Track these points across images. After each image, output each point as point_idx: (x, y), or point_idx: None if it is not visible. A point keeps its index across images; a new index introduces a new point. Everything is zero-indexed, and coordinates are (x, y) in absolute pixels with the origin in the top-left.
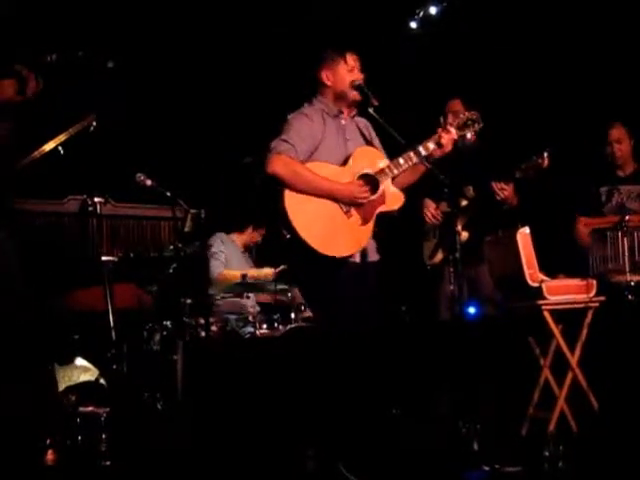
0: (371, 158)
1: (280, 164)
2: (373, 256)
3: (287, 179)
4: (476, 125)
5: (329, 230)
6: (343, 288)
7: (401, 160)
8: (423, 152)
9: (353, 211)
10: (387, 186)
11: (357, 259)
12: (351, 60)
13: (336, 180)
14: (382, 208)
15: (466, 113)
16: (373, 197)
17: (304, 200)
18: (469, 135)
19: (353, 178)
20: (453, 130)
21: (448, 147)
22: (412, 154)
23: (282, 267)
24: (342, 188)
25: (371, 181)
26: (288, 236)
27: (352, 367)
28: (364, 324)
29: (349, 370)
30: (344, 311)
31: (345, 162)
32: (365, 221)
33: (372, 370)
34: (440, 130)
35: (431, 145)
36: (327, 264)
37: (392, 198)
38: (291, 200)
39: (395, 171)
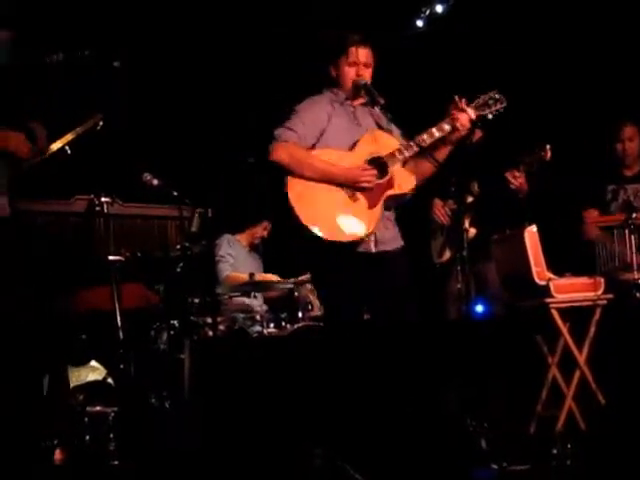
0: (382, 142)
1: (282, 151)
2: (392, 244)
3: (288, 166)
4: (498, 104)
5: (332, 215)
6: (354, 281)
7: (412, 143)
8: (437, 134)
9: (359, 195)
10: (397, 169)
11: (372, 249)
12: (354, 55)
13: (340, 164)
14: (391, 191)
15: (489, 92)
16: (379, 181)
17: (307, 186)
18: (490, 115)
19: (361, 162)
20: (470, 110)
21: (465, 128)
22: (425, 136)
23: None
24: (344, 172)
25: (380, 165)
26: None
27: (360, 365)
28: (386, 318)
29: (357, 369)
30: (353, 306)
31: (353, 146)
32: (372, 205)
33: (380, 368)
34: (454, 111)
35: (446, 126)
36: (336, 254)
37: (402, 181)
38: (294, 187)
39: (406, 154)
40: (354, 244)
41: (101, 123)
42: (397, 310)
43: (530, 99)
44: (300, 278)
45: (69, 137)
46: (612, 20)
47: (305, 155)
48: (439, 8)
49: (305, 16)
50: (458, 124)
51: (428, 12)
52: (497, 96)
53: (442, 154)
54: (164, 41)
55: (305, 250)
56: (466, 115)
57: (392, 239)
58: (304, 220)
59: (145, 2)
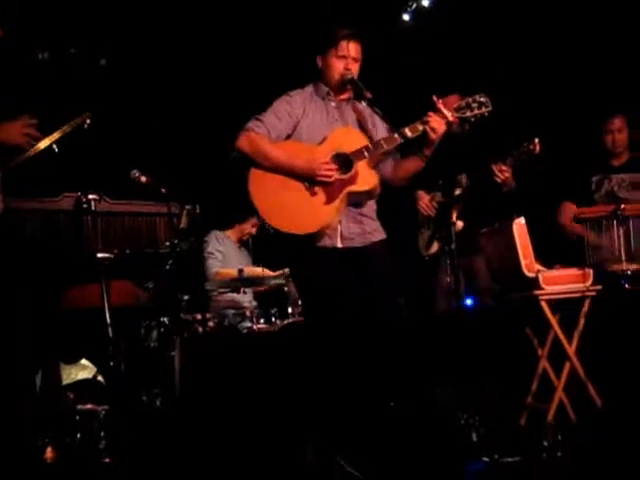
0: (352, 139)
1: (244, 140)
2: (364, 239)
3: (250, 154)
4: (483, 108)
5: (286, 207)
6: (323, 274)
7: (382, 141)
8: (409, 134)
9: (318, 189)
10: (362, 167)
11: (337, 244)
12: (344, 48)
13: (305, 157)
14: (351, 188)
15: (474, 95)
16: (340, 176)
17: (267, 176)
18: (472, 119)
19: (326, 156)
20: (447, 112)
21: (437, 131)
22: (396, 136)
23: (281, 271)
24: (302, 164)
25: (345, 161)
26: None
27: (349, 359)
28: (361, 313)
29: (346, 363)
30: (326, 300)
31: (323, 141)
32: (330, 200)
33: (370, 362)
34: (429, 112)
35: (420, 127)
36: (302, 247)
37: (364, 179)
38: (254, 177)
39: (374, 151)
40: (313, 238)
41: (88, 121)
42: (376, 305)
43: (519, 91)
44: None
45: (56, 135)
46: (598, 13)
47: (266, 145)
48: (425, 2)
49: (293, 10)
50: (428, 127)
51: (414, 6)
52: (482, 99)
53: (428, 150)
54: (150, 37)
55: (278, 243)
56: (439, 118)
57: (364, 234)
58: (260, 210)
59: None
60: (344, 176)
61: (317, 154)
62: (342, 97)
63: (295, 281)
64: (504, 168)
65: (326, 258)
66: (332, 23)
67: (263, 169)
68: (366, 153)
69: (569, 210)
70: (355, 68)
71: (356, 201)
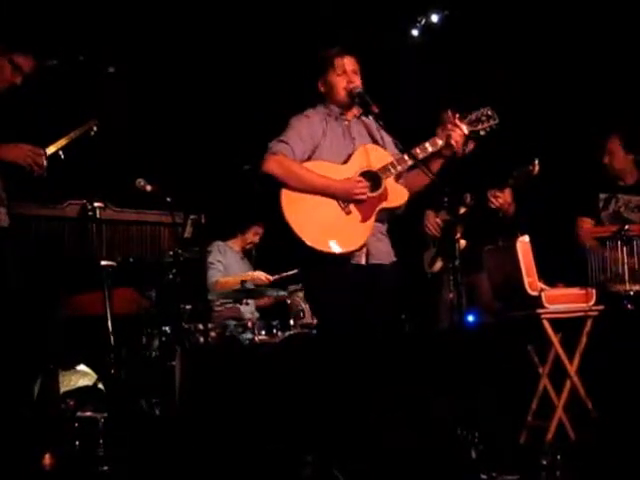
0: (375, 155)
1: (274, 163)
2: (384, 258)
3: (281, 177)
4: (491, 121)
5: (325, 227)
6: (344, 292)
7: (406, 157)
8: (430, 148)
9: (352, 207)
10: (390, 183)
11: (362, 261)
12: (340, 64)
13: (333, 177)
14: (384, 205)
15: (481, 109)
16: (373, 194)
17: (300, 198)
18: (482, 132)
19: (354, 175)
20: (464, 126)
21: (458, 144)
22: (418, 150)
23: (278, 276)
24: (338, 185)
25: (373, 178)
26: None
27: (350, 374)
28: (368, 330)
29: (347, 377)
30: (343, 316)
31: (347, 160)
32: (365, 218)
33: (370, 377)
34: (449, 126)
35: (439, 141)
36: (327, 265)
37: (395, 195)
38: (287, 199)
39: (399, 168)
40: (346, 256)
41: (95, 128)
42: (379, 323)
43: (524, 110)
44: (292, 287)
45: (63, 142)
46: (600, 34)
47: (298, 167)
48: (434, 18)
49: (309, 25)
50: (452, 141)
51: (423, 22)
52: (489, 113)
53: (435, 166)
54: (159, 46)
55: (298, 260)
56: (460, 131)
57: (385, 253)
58: (297, 231)
59: (141, 8)
60: (375, 193)
61: (345, 173)
62: (353, 114)
63: (311, 295)
64: (498, 194)
65: (350, 274)
66: (324, 45)
67: (295, 191)
68: (392, 169)
69: (587, 226)
70: (357, 80)
71: (384, 217)
